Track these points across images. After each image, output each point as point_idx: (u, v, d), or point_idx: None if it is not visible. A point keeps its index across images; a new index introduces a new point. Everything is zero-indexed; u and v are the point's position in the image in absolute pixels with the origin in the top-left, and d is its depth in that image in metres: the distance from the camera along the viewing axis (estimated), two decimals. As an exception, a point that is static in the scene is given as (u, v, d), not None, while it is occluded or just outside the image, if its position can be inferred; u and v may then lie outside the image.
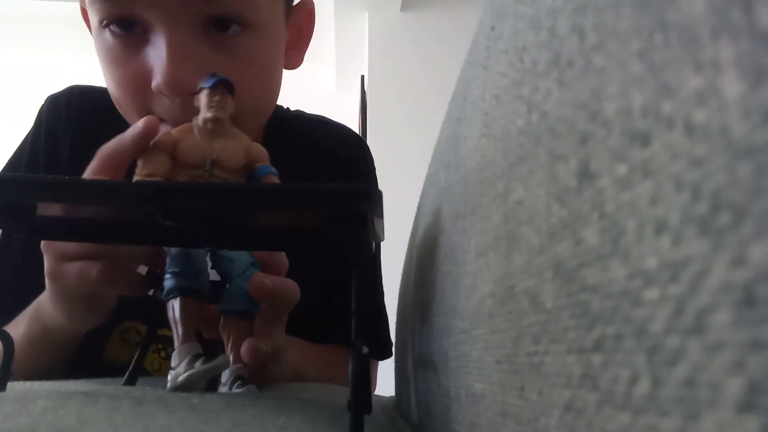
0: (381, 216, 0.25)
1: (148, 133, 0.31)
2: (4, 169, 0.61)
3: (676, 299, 0.08)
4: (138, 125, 0.32)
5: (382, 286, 0.68)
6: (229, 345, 0.36)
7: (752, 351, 0.07)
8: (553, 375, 0.12)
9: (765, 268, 0.07)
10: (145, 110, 0.44)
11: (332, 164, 0.65)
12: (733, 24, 0.07)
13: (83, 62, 2.92)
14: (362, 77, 2.64)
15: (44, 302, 0.44)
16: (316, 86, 3.09)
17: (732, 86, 0.07)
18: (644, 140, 0.09)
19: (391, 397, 0.49)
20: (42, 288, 0.41)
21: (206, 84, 0.31)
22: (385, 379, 0.65)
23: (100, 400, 0.24)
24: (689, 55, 0.08)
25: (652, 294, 0.09)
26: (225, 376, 0.36)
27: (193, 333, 0.34)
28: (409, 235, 0.42)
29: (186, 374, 0.33)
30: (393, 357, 0.54)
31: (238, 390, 0.35)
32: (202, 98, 0.31)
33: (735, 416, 0.07)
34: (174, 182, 0.30)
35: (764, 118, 0.07)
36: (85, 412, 0.22)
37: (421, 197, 0.38)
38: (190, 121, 0.32)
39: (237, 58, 0.45)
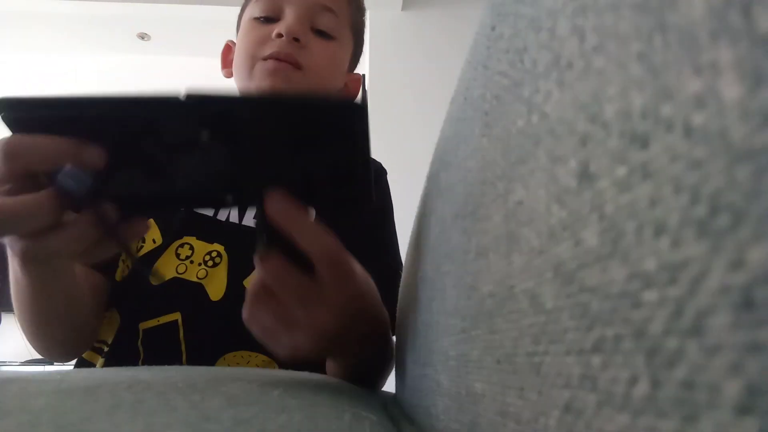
0: (366, 130, 0.32)
1: None
2: None
3: (675, 301, 0.08)
4: None
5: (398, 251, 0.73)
6: None
7: (750, 353, 0.07)
8: (553, 375, 0.12)
9: (763, 270, 0.07)
10: (258, 55, 0.68)
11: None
12: (732, 27, 0.07)
13: (83, 61, 2.93)
14: (363, 76, 2.64)
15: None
16: (317, 85, 3.08)
17: (731, 89, 0.07)
18: (643, 142, 0.09)
19: (393, 393, 0.49)
20: None
21: None
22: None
23: (101, 396, 0.24)
24: (688, 57, 0.08)
25: (651, 296, 0.09)
26: None
27: None
28: (409, 234, 0.42)
29: None
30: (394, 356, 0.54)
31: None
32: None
33: (733, 418, 0.07)
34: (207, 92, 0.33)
35: (763, 121, 0.07)
36: (86, 409, 0.22)
37: (422, 197, 0.38)
38: (290, 55, 0.67)
39: (320, 46, 0.71)
